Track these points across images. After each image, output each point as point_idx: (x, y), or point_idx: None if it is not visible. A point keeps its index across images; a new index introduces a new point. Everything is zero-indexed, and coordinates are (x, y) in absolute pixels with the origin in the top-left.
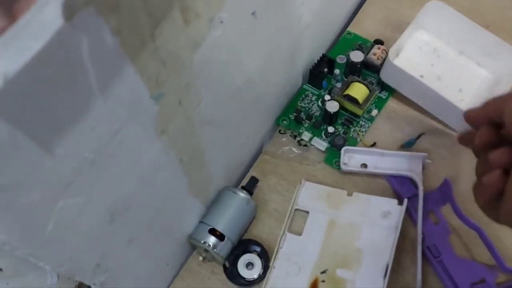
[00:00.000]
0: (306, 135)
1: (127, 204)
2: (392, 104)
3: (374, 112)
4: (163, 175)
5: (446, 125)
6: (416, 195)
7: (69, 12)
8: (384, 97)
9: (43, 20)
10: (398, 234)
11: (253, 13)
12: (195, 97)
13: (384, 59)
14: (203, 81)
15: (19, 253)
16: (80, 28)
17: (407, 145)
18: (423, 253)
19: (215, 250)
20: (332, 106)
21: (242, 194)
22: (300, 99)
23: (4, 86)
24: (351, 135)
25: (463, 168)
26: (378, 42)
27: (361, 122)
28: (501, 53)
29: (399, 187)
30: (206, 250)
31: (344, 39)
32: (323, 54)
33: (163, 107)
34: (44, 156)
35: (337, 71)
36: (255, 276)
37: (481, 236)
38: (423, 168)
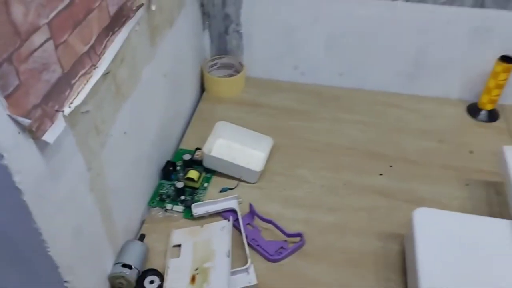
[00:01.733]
0: (169, 206)
1: (81, 229)
2: (215, 178)
3: (206, 184)
4: (95, 219)
5: (244, 181)
6: (238, 218)
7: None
8: (209, 175)
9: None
10: (230, 236)
11: (124, 133)
12: (103, 173)
13: (202, 157)
14: (108, 166)
15: None
16: (65, 134)
17: (223, 190)
18: (249, 245)
19: (127, 274)
20: (179, 185)
21: (137, 241)
22: (160, 188)
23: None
24: (196, 199)
25: (256, 200)
26: (198, 148)
27: (199, 191)
28: (261, 141)
29: (228, 216)
30: (122, 277)
31: (178, 151)
32: (167, 161)
33: (91, 175)
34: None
35: (178, 168)
36: (156, 286)
37: (274, 225)
38: (239, 204)
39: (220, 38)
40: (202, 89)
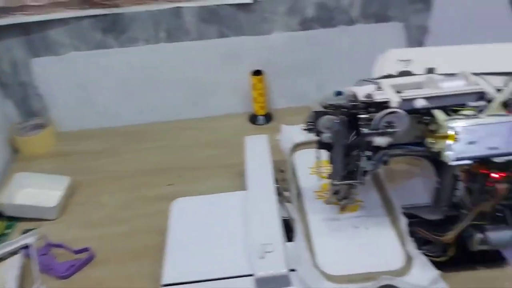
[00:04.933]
0: None
1: None
2: (20, 223)
3: (8, 231)
4: None
5: (45, 219)
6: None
7: None
8: (12, 223)
9: None
10: (19, 266)
11: None
12: None
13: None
14: None
15: None
16: None
17: (25, 232)
18: (43, 270)
19: None
20: None
21: None
22: None
23: None
24: None
25: (57, 232)
26: None
27: (0, 238)
28: (58, 181)
29: (25, 251)
30: None
31: None
32: None
33: None
34: None
35: None
36: None
37: (64, 248)
38: (38, 239)
39: (23, 102)
40: (17, 151)
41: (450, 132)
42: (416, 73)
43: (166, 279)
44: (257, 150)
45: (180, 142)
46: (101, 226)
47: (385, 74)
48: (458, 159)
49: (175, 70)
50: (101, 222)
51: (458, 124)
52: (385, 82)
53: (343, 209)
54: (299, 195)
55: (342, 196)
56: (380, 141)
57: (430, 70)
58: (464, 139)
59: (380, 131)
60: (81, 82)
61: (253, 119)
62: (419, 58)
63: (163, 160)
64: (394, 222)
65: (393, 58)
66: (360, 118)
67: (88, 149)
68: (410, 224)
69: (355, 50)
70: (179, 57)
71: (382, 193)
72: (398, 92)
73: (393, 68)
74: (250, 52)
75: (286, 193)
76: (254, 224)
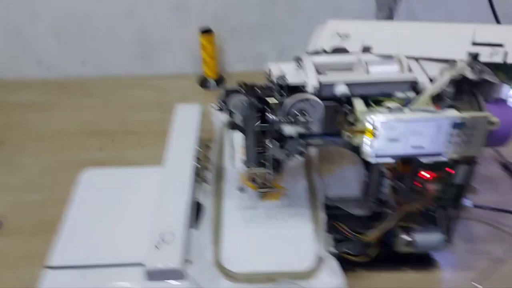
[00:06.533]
0: None
1: None
2: None
3: None
4: None
5: None
6: None
7: None
8: None
9: None
10: None
11: None
12: None
13: None
14: None
15: None
16: None
17: None
18: None
19: None
20: None
21: None
22: None
23: None
24: None
25: None
26: None
27: None
28: None
29: None
30: None
31: None
32: None
33: None
34: None
35: None
36: None
37: None
38: None
39: None
40: None
41: (368, 127)
42: (351, 51)
43: (50, 261)
44: (185, 122)
45: (120, 100)
46: (16, 191)
47: (318, 49)
48: (377, 157)
49: (120, 19)
50: (17, 187)
51: (377, 119)
52: (309, 60)
53: (264, 196)
54: (219, 177)
55: (260, 184)
56: (288, 130)
57: (366, 49)
58: (383, 135)
59: (289, 119)
60: (10, 26)
61: (203, 82)
62: (359, 32)
63: (98, 120)
64: (315, 215)
65: (331, 31)
66: (268, 102)
67: (19, 101)
68: (335, 218)
69: (320, 11)
70: (123, 5)
71: (310, 181)
72: (321, 73)
73: (328, 43)
74: (199, 6)
75: (207, 174)
76: (159, 208)
